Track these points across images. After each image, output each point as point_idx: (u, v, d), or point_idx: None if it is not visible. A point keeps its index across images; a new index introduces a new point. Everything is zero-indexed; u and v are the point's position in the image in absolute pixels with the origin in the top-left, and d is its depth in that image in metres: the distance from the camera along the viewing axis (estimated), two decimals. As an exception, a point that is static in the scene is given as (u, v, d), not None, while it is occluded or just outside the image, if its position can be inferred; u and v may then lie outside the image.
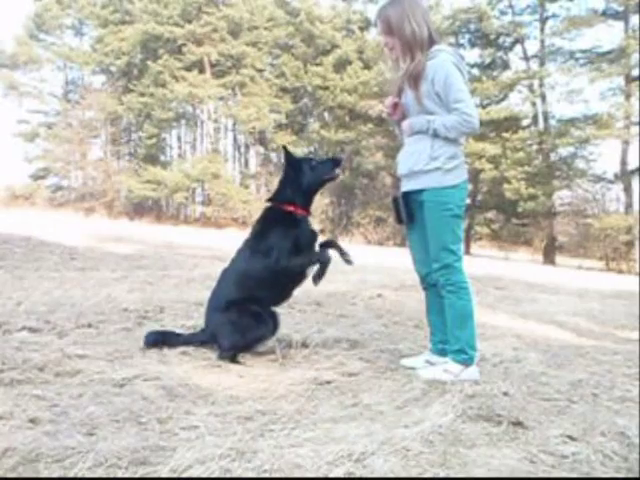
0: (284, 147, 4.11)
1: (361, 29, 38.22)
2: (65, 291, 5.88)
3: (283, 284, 3.85)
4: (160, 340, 3.81)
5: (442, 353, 3.68)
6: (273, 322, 3.82)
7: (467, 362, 3.43)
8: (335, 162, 3.99)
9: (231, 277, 3.91)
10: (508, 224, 32.83)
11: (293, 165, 3.91)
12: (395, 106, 3.69)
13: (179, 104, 38.94)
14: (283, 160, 3.98)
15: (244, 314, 3.69)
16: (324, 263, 3.72)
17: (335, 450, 2.19)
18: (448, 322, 3.51)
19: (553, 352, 4.62)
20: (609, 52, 29.12)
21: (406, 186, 3.61)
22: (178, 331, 4.10)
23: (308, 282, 3.88)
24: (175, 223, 34.11)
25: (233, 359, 3.62)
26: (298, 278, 3.84)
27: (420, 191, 3.50)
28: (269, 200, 4.01)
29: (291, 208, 3.84)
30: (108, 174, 39.23)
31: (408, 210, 3.58)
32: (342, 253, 3.88)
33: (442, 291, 3.52)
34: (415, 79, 3.43)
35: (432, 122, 3.41)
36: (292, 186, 3.88)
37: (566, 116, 31.36)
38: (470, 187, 35.73)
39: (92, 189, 39.19)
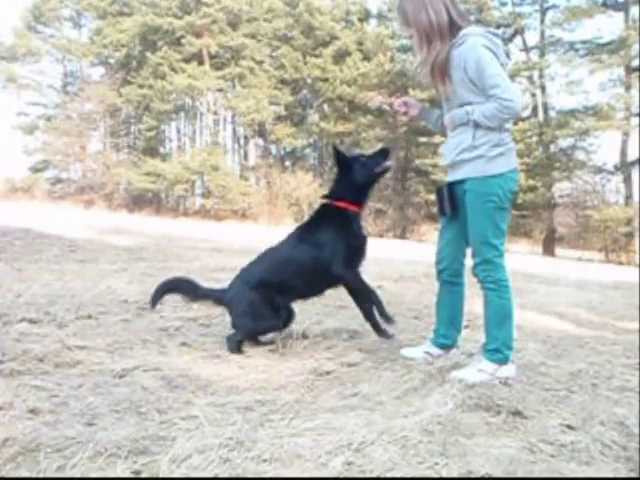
0: (334, 147, 4.10)
1: (360, 20, 38.09)
2: (65, 283, 5.89)
3: (320, 283, 3.93)
4: (177, 288, 3.96)
5: (442, 347, 3.68)
6: (287, 316, 3.90)
7: (502, 361, 3.28)
8: (384, 153, 3.99)
9: (273, 258, 3.95)
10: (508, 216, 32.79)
11: (344, 165, 3.95)
12: (405, 104, 3.68)
13: (178, 96, 38.84)
14: (334, 160, 3.99)
15: (265, 301, 3.74)
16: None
17: (334, 440, 2.20)
18: (486, 319, 3.38)
19: (552, 342, 4.63)
20: (609, 43, 29.02)
21: (450, 176, 3.49)
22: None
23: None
24: (174, 215, 34.09)
25: (239, 348, 3.64)
26: (337, 284, 3.93)
27: (463, 181, 3.35)
28: (323, 197, 4.07)
29: (343, 205, 3.89)
30: (107, 166, 39.13)
31: (452, 201, 3.46)
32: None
33: (481, 287, 3.41)
34: (440, 70, 3.29)
35: (471, 113, 3.23)
36: (344, 184, 3.93)
37: (566, 107, 31.34)
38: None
39: (91, 181, 39.08)
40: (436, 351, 3.67)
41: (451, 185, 3.46)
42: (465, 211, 3.39)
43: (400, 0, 3.40)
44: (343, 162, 3.96)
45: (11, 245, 9.03)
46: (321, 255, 3.79)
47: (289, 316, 3.93)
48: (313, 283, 3.91)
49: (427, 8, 3.25)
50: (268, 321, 3.76)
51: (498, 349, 3.29)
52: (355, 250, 3.90)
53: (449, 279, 3.66)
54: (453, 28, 3.27)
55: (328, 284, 3.94)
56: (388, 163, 3.97)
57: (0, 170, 39.12)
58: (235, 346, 3.64)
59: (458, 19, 3.28)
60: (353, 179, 3.90)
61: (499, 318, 3.33)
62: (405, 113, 3.74)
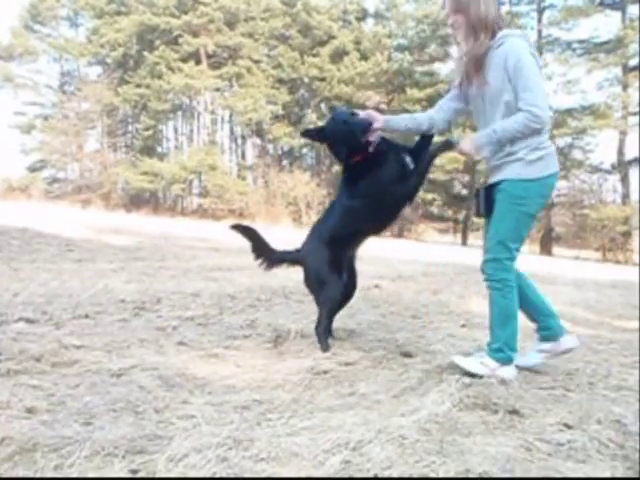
0: (332, 107, 3.86)
1: (358, 20, 38.16)
2: (62, 282, 5.88)
3: (388, 212, 3.86)
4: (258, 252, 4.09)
5: (550, 339, 3.54)
6: (351, 284, 4.03)
7: (504, 361, 3.28)
8: (365, 125, 3.68)
9: (337, 210, 3.90)
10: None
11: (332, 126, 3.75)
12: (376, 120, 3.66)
13: (175, 95, 38.83)
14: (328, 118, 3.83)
15: (334, 265, 3.80)
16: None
17: (332, 438, 2.20)
18: (490, 318, 3.38)
19: (550, 341, 4.62)
20: (606, 42, 29.11)
21: (489, 180, 3.46)
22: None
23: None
24: (172, 215, 34.10)
25: (328, 328, 3.88)
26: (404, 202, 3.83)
27: (500, 182, 3.32)
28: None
29: (358, 158, 3.75)
30: (105, 166, 39.14)
31: (489, 203, 3.40)
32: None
33: (487, 285, 3.38)
34: (478, 62, 3.26)
35: (495, 132, 3.20)
36: (341, 144, 3.75)
37: (563, 107, 31.33)
38: (467, 178, 35.24)
39: (89, 181, 39.08)
40: (548, 346, 3.55)
41: (489, 187, 3.42)
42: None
43: None
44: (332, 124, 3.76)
45: (8, 245, 9.02)
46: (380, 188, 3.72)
47: (352, 284, 4.06)
48: (382, 216, 3.87)
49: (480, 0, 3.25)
50: (334, 289, 3.81)
51: (501, 349, 3.29)
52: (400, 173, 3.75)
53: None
54: (494, 27, 3.27)
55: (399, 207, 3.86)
56: (372, 138, 3.76)
57: (-3, 170, 39.10)
58: (324, 337, 3.80)
59: (498, 20, 3.30)
60: (343, 138, 3.70)
61: (502, 318, 3.33)
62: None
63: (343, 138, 3.71)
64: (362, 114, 3.75)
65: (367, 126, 3.67)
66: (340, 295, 3.87)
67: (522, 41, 3.24)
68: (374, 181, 3.73)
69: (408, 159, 3.78)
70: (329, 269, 3.80)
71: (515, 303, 3.35)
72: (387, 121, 3.69)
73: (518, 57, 3.15)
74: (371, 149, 3.73)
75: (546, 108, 3.16)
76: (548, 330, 3.55)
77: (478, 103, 3.42)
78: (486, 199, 3.42)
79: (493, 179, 3.39)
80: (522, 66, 3.14)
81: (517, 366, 3.39)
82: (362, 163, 3.75)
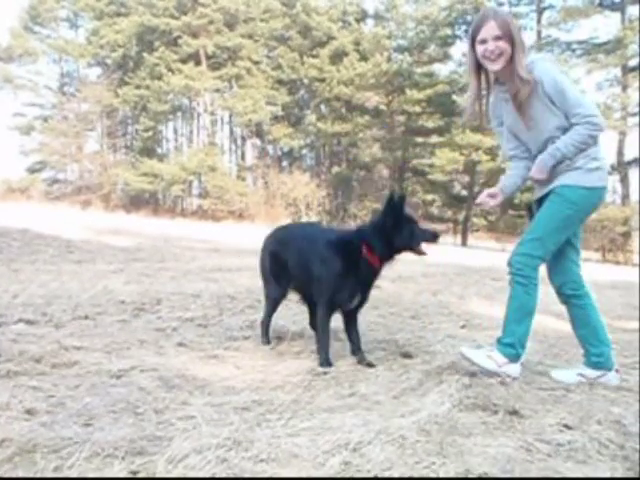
0: (402, 196, 3.57)
1: (357, 21, 38.18)
2: (62, 283, 5.88)
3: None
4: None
5: (597, 366, 3.43)
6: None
7: (512, 358, 3.27)
8: (434, 236, 3.63)
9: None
10: (505, 215, 32.79)
11: (395, 215, 3.55)
12: (490, 196, 3.51)
13: (175, 96, 38.86)
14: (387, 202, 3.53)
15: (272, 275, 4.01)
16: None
17: (332, 439, 2.20)
18: (507, 312, 3.37)
19: (550, 342, 4.64)
20: (606, 43, 29.10)
21: (541, 191, 3.40)
22: None
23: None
24: (172, 216, 34.04)
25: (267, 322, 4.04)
26: None
27: (552, 189, 3.28)
28: (357, 231, 3.75)
29: (364, 250, 3.58)
30: (104, 167, 39.12)
31: None
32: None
33: (511, 280, 3.38)
34: (524, 99, 3.19)
35: (558, 150, 3.15)
36: (379, 233, 3.58)
37: (563, 107, 31.35)
38: (467, 179, 35.11)
39: (88, 182, 39.07)
40: (592, 372, 3.42)
41: (541, 200, 3.39)
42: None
43: (496, 12, 3.33)
44: (395, 213, 3.56)
45: (8, 246, 9.03)
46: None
47: None
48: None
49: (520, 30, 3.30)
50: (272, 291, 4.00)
51: (512, 344, 3.29)
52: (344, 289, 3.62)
53: (571, 293, 3.51)
54: None
55: None
56: (423, 250, 3.65)
57: (-3, 171, 39.09)
58: (262, 330, 3.97)
59: None
60: (392, 235, 3.56)
61: (520, 313, 3.34)
62: (486, 205, 3.58)
63: (406, 238, 3.56)
64: (483, 195, 3.55)
65: (432, 238, 3.62)
66: (277, 297, 3.96)
67: (550, 63, 3.27)
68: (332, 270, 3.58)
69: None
70: (269, 274, 3.98)
71: (535, 301, 3.36)
72: (503, 192, 3.53)
73: (554, 79, 3.15)
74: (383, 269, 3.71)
75: (599, 114, 3.14)
76: (599, 357, 3.43)
77: (519, 131, 3.38)
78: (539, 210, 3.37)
79: (546, 189, 3.33)
80: (562, 86, 3.14)
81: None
82: (365, 262, 3.61)
